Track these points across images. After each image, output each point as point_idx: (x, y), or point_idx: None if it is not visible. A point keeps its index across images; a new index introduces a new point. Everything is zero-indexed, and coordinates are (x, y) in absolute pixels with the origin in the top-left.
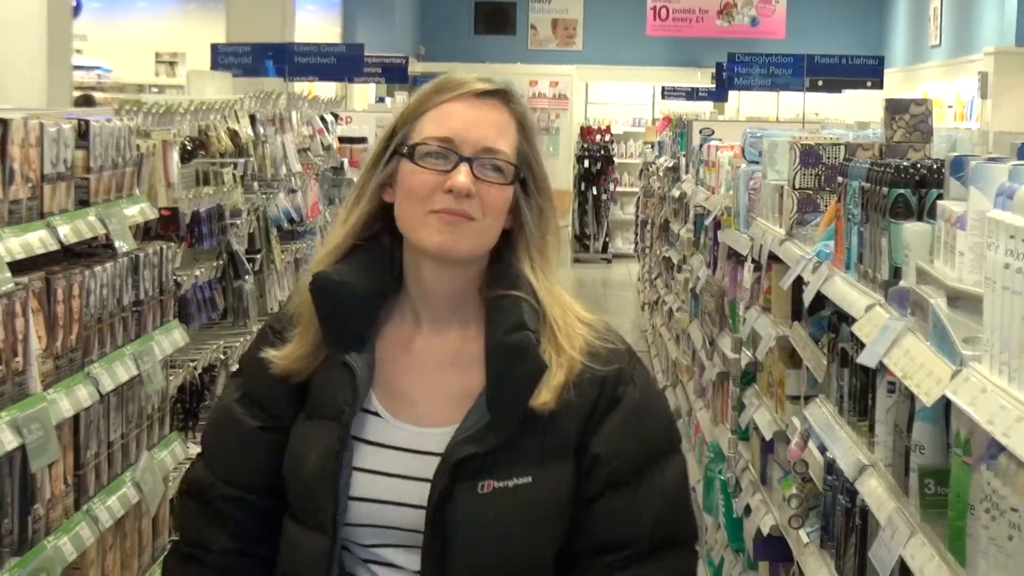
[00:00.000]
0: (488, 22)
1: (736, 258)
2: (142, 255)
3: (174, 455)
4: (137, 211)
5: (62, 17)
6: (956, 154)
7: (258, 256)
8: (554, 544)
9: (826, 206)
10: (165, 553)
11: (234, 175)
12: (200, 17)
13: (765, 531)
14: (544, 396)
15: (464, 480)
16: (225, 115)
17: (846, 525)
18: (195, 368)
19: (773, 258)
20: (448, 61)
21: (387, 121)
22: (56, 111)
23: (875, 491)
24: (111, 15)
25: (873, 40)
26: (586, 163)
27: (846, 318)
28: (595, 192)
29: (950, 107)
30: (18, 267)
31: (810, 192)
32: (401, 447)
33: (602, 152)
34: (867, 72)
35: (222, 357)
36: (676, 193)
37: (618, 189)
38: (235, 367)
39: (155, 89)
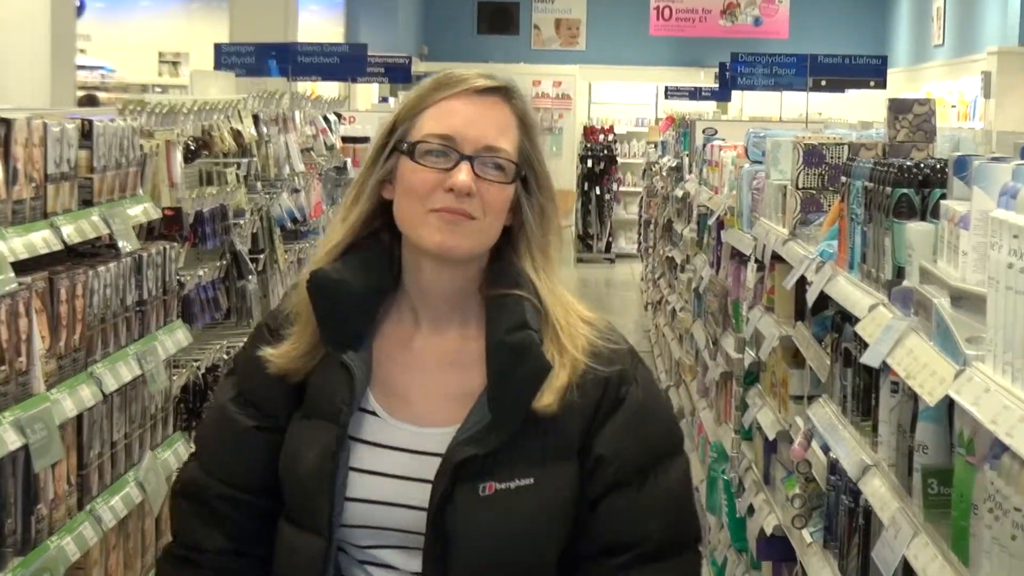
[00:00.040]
0: (491, 22)
1: (739, 258)
2: (145, 255)
3: (177, 455)
4: (140, 211)
5: (66, 17)
6: (959, 154)
7: (261, 256)
8: (557, 546)
9: (829, 206)
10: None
11: (237, 175)
12: (203, 17)
13: (768, 531)
14: (547, 398)
15: (465, 482)
16: (228, 115)
17: (849, 525)
18: (198, 368)
19: (776, 258)
20: (451, 61)
21: None
22: (60, 111)
23: (878, 491)
24: (114, 15)
25: (876, 40)
26: (589, 163)
27: (849, 318)
28: (598, 192)
29: (953, 107)
30: (21, 267)
31: (813, 192)
32: (399, 447)
33: (605, 152)
34: (870, 72)
35: (225, 357)
36: (679, 193)
37: (621, 189)
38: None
39: (158, 89)
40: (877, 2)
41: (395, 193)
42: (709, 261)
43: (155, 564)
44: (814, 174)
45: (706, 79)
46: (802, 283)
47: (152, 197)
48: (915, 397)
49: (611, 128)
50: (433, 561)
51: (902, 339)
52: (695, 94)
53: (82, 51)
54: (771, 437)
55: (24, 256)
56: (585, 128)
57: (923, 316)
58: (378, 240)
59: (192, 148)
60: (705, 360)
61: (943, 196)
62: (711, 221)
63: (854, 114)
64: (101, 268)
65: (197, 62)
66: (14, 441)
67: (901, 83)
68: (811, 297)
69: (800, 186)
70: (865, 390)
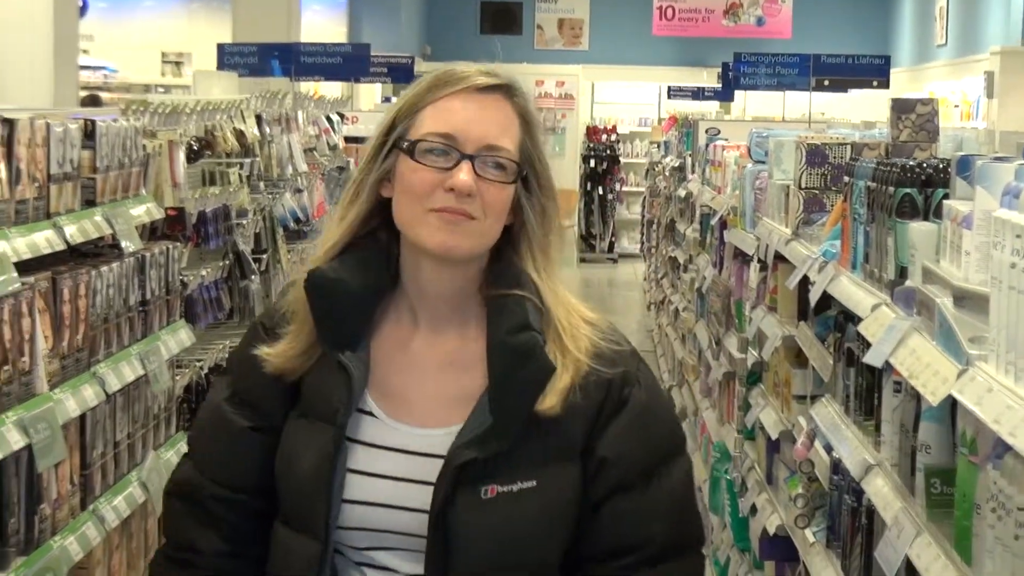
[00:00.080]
0: (494, 22)
1: (742, 258)
2: (148, 255)
3: (180, 455)
4: (143, 211)
5: (68, 17)
6: (962, 153)
7: (264, 256)
8: (559, 549)
9: (832, 206)
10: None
11: (240, 175)
12: (206, 17)
13: (771, 531)
14: (550, 400)
15: (466, 485)
16: (231, 115)
17: (852, 524)
18: (201, 368)
19: (779, 258)
20: (454, 61)
21: None
22: (62, 111)
23: (881, 490)
24: (117, 15)
25: (879, 40)
26: (592, 163)
27: (852, 318)
28: (601, 192)
29: (956, 106)
30: (24, 267)
31: (816, 192)
32: (398, 448)
33: (608, 152)
34: (873, 72)
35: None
36: (682, 193)
37: (624, 189)
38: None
39: (161, 89)
40: (880, 2)
41: (394, 192)
42: (712, 261)
43: (148, 566)
44: (817, 174)
45: (709, 79)
46: (805, 283)
47: (155, 197)
48: (918, 397)
49: (614, 128)
50: (435, 564)
51: (905, 339)
52: (698, 94)
53: (85, 51)
54: (774, 437)
55: (27, 256)
56: (588, 128)
57: (926, 316)
58: (376, 239)
59: (195, 148)
60: (708, 360)
61: (946, 196)
62: (714, 221)
63: (857, 114)
64: (104, 268)
65: (200, 62)
66: (17, 441)
67: (904, 83)
68: (814, 297)
69: (803, 186)
70: (868, 390)
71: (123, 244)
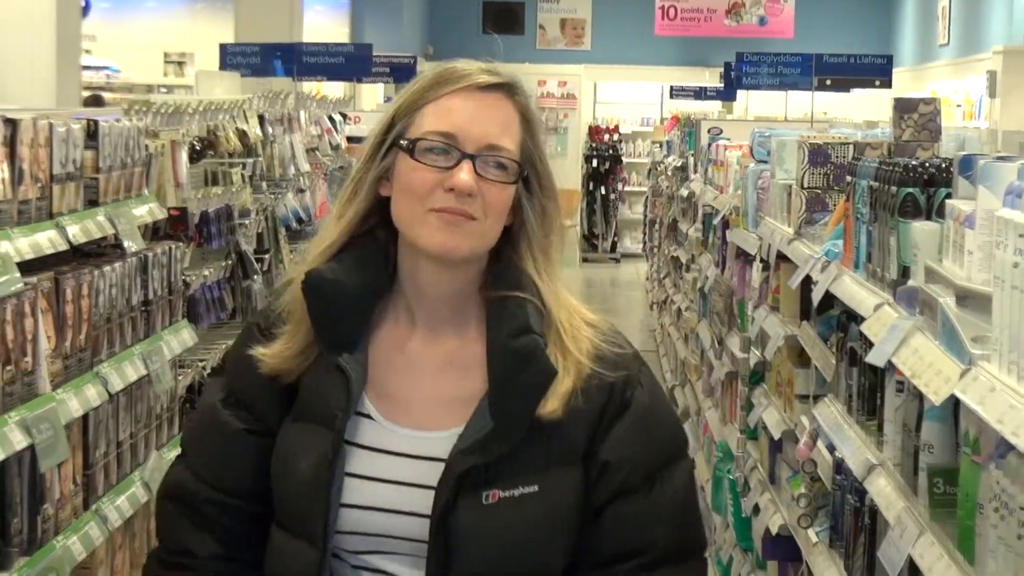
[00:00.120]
0: (496, 22)
1: (745, 257)
2: (151, 255)
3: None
4: (146, 211)
5: (71, 17)
6: (965, 153)
7: (267, 256)
8: (562, 554)
9: (835, 205)
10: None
11: (243, 175)
12: (208, 17)
13: (774, 530)
14: (552, 404)
15: (468, 490)
16: (234, 115)
17: (855, 524)
18: (204, 368)
19: (782, 257)
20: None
21: None
22: (65, 111)
23: (884, 490)
24: (120, 15)
25: (881, 39)
26: (594, 163)
27: (855, 317)
28: (603, 192)
29: (959, 106)
30: (27, 267)
31: (819, 191)
32: (397, 452)
33: (610, 151)
34: (875, 71)
35: None
36: (684, 192)
37: (626, 188)
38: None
39: (164, 89)
40: (882, 2)
41: (392, 191)
42: (714, 261)
43: (142, 569)
44: (819, 173)
45: (711, 79)
46: (807, 282)
47: (157, 197)
48: (920, 396)
49: (616, 128)
50: (435, 569)
51: (907, 338)
52: (700, 94)
53: (87, 51)
54: (776, 436)
55: (30, 256)
56: (590, 128)
57: (928, 315)
58: (374, 238)
59: (197, 148)
60: (710, 360)
61: (948, 195)
62: (716, 221)
63: (859, 113)
64: (107, 268)
65: (202, 62)
66: (20, 441)
67: (906, 82)
68: (816, 296)
69: (805, 185)
70: (871, 389)
71: (126, 244)
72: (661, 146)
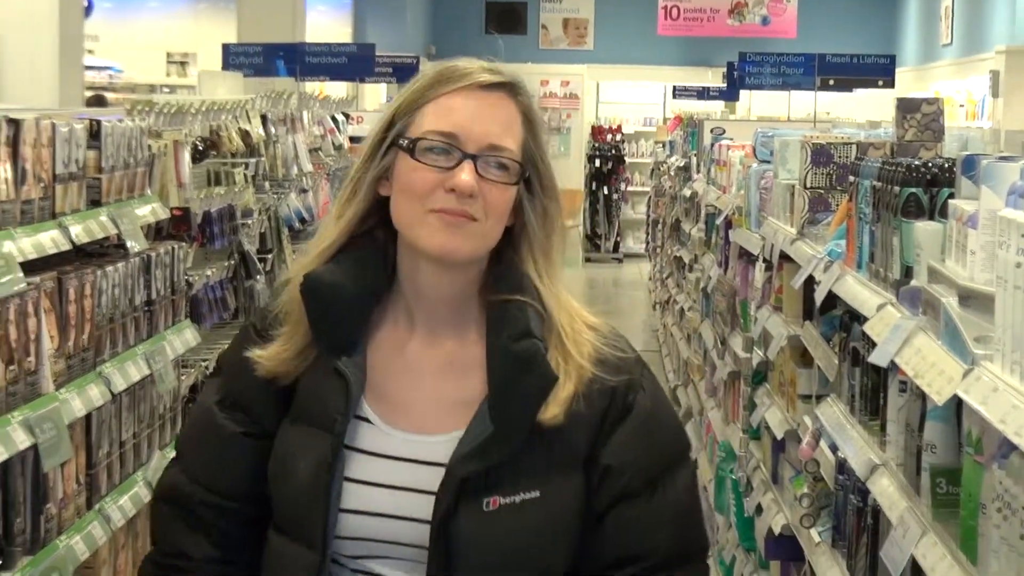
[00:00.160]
0: (499, 22)
1: (747, 257)
2: (154, 255)
3: None
4: (149, 211)
5: (74, 17)
6: (968, 153)
7: (269, 256)
8: (564, 560)
9: (837, 205)
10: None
11: (245, 175)
12: (211, 17)
13: (776, 530)
14: (553, 409)
15: (469, 497)
16: (236, 115)
17: (858, 524)
18: (206, 368)
19: (784, 257)
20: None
21: None
22: (68, 111)
23: (887, 490)
24: (122, 15)
25: (884, 39)
26: (597, 163)
27: (857, 317)
28: (606, 192)
29: (961, 106)
30: (30, 267)
31: (821, 191)
32: (396, 456)
33: (613, 151)
34: (878, 71)
35: None
36: (687, 192)
37: (629, 189)
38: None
39: (166, 89)
40: (885, 1)
41: (392, 191)
42: (717, 261)
43: (138, 572)
44: (822, 173)
45: (714, 79)
46: (810, 282)
47: (160, 197)
48: (923, 396)
49: (619, 128)
50: (436, 575)
51: (910, 338)
52: (703, 94)
53: (90, 51)
54: (779, 436)
55: (33, 256)
56: (593, 128)
57: (931, 315)
58: (372, 239)
59: (200, 148)
60: (713, 359)
61: (951, 195)
62: (719, 221)
63: (862, 113)
64: (109, 268)
65: (205, 62)
66: (23, 440)
67: (909, 82)
68: (819, 296)
69: (808, 185)
70: (873, 389)
71: (128, 244)
72: (664, 146)
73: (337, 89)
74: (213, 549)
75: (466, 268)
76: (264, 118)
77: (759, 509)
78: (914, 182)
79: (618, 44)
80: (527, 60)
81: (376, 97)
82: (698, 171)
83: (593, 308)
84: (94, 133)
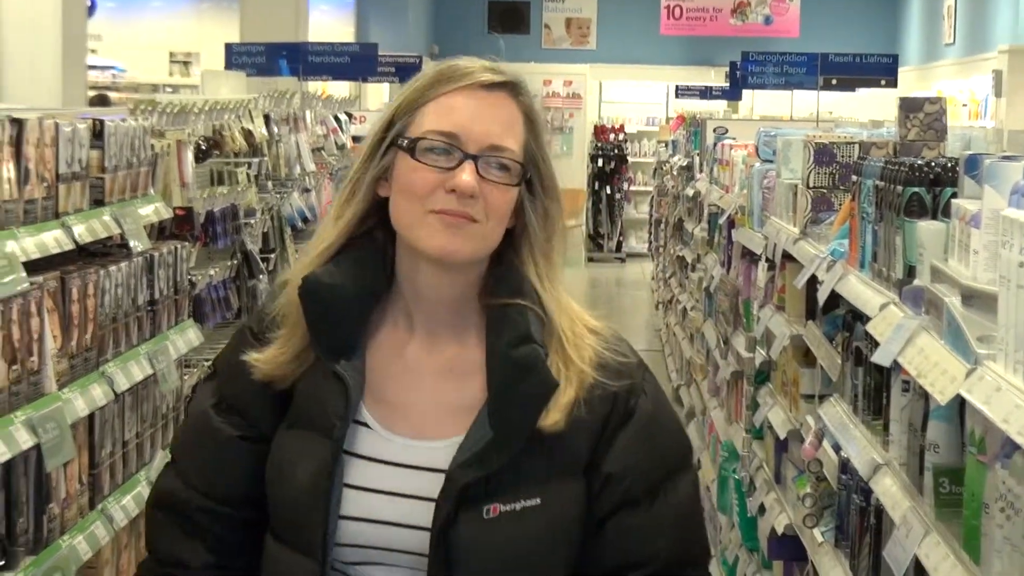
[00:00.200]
0: (502, 21)
1: (750, 257)
2: (157, 255)
3: None
4: (152, 211)
5: (77, 17)
6: (970, 152)
7: (272, 255)
8: (564, 567)
9: (840, 205)
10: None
11: (248, 174)
12: (214, 17)
13: (779, 530)
14: (554, 416)
15: (469, 504)
16: (239, 115)
17: (860, 524)
18: (210, 368)
19: (787, 257)
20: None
21: None
22: (71, 111)
23: (889, 490)
24: (125, 15)
25: (887, 38)
26: (600, 162)
27: (860, 317)
28: (609, 191)
29: (964, 105)
30: (33, 267)
31: (824, 191)
32: (396, 462)
33: (616, 151)
34: (881, 70)
35: None
36: (690, 192)
37: (632, 188)
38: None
39: (169, 89)
40: (888, 1)
41: (391, 191)
42: (720, 260)
43: None
44: (825, 173)
45: (717, 78)
46: (813, 282)
47: (163, 197)
48: (926, 396)
49: (622, 127)
50: None
51: (913, 338)
52: (706, 93)
53: (93, 51)
54: (782, 436)
55: (36, 256)
56: (596, 127)
57: (934, 315)
58: (371, 239)
59: (203, 148)
60: (716, 359)
61: (954, 195)
62: (722, 220)
63: (865, 113)
64: (112, 268)
65: (208, 62)
66: (26, 440)
67: (912, 82)
68: (822, 296)
69: (811, 185)
70: (876, 389)
71: (131, 244)
72: (666, 145)
73: (340, 88)
74: (210, 555)
75: (466, 270)
76: (267, 118)
77: (762, 509)
78: (917, 182)
79: (621, 44)
80: (530, 60)
81: (379, 97)
82: (701, 171)
83: (596, 308)
84: (97, 133)
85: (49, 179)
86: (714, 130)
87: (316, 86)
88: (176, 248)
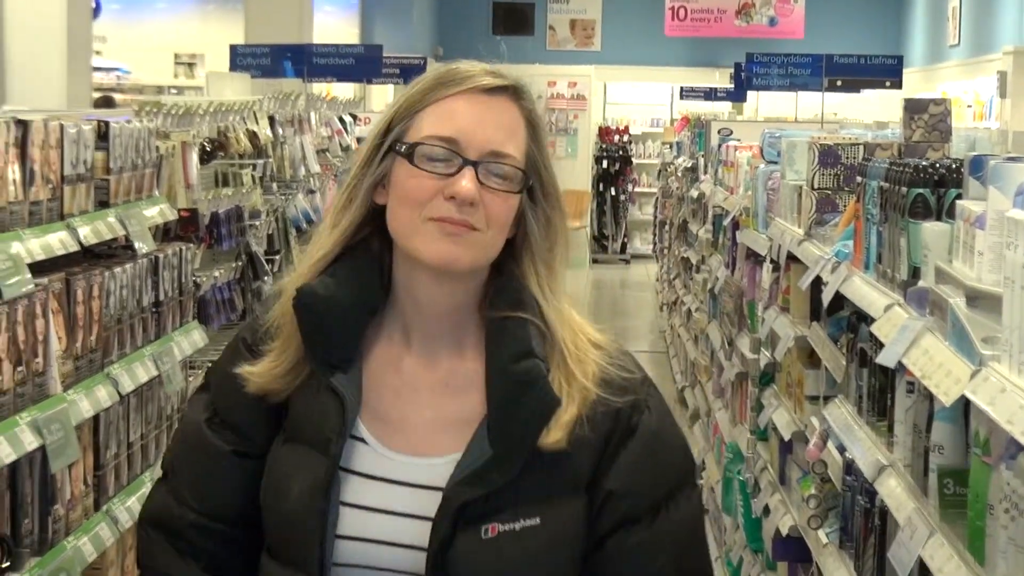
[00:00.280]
0: (506, 23)
1: (755, 258)
2: (161, 256)
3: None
4: (156, 212)
5: (81, 19)
6: (975, 154)
7: (277, 257)
8: None
9: (845, 206)
10: None
11: (253, 176)
12: (218, 18)
13: (784, 531)
14: (556, 434)
15: (466, 524)
16: (244, 116)
17: (865, 525)
18: None
19: (792, 258)
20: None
21: None
22: (76, 112)
23: (894, 491)
24: (130, 16)
25: (892, 40)
26: (604, 164)
27: (865, 318)
28: (613, 193)
29: (969, 107)
30: (38, 268)
31: (829, 192)
32: (393, 480)
33: (620, 153)
34: (886, 72)
35: None
36: (694, 193)
37: (636, 190)
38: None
39: (174, 90)
40: (892, 2)
41: (389, 198)
42: (724, 262)
43: None
44: (829, 174)
45: (721, 79)
46: (817, 283)
47: (168, 198)
48: (931, 397)
49: (626, 129)
50: None
51: (918, 339)
52: (710, 94)
53: (98, 53)
54: (787, 437)
55: (41, 257)
56: (600, 129)
57: (939, 316)
58: (367, 248)
59: (208, 149)
60: (720, 361)
61: (959, 196)
62: (726, 222)
63: (869, 114)
64: (117, 269)
65: (212, 63)
66: (31, 442)
67: (917, 83)
68: (826, 297)
69: (815, 186)
70: (881, 390)
71: (136, 245)
72: (671, 147)
73: (344, 90)
74: (204, 574)
75: (465, 280)
76: (272, 119)
77: (766, 510)
78: (921, 183)
79: (625, 45)
80: (534, 61)
81: (383, 98)
82: (705, 172)
83: (600, 309)
84: (102, 134)
85: (54, 181)
86: (718, 131)
87: (321, 87)
88: (181, 250)
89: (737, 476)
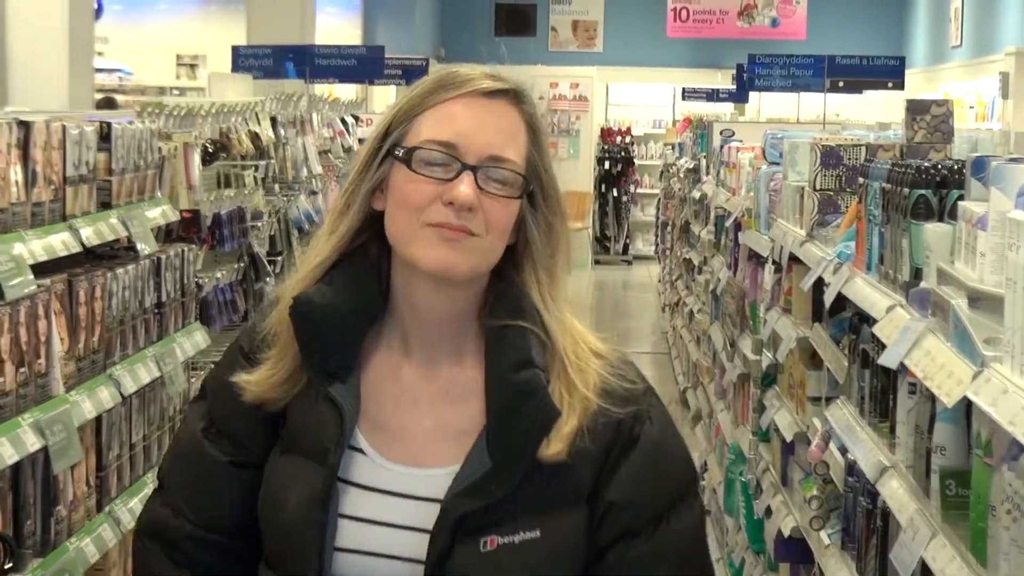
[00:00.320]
0: (508, 24)
1: (757, 259)
2: (164, 257)
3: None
4: (159, 213)
5: (84, 20)
6: (977, 155)
7: (279, 258)
8: None
9: (847, 207)
10: None
11: (255, 177)
12: (221, 19)
13: (786, 532)
14: (556, 446)
15: (465, 536)
16: (246, 117)
17: (867, 526)
18: None
19: (794, 259)
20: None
21: None
22: (78, 113)
23: (896, 492)
24: (132, 17)
25: (894, 41)
26: (606, 165)
27: (867, 319)
28: (615, 194)
29: (971, 108)
30: (40, 269)
31: (831, 193)
32: (392, 491)
33: (622, 154)
34: (888, 73)
35: None
36: (696, 195)
37: (639, 191)
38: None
39: (176, 91)
40: (895, 3)
41: (387, 204)
42: (726, 263)
43: None
44: (831, 175)
45: (723, 80)
46: (819, 284)
47: (170, 199)
48: (933, 398)
49: (628, 130)
50: None
51: (920, 340)
52: (712, 95)
53: (100, 54)
54: (789, 439)
55: (43, 258)
56: (602, 130)
57: (941, 317)
58: (365, 254)
59: (210, 150)
60: (722, 362)
61: (961, 197)
62: (728, 223)
63: (872, 115)
64: (120, 270)
65: (215, 64)
66: (33, 443)
67: (919, 84)
68: (828, 298)
69: (817, 187)
70: (883, 391)
71: (139, 246)
72: (673, 148)
73: (347, 91)
74: None
75: (464, 287)
76: (274, 120)
77: (768, 511)
78: (924, 184)
79: (627, 46)
80: (536, 62)
81: (385, 99)
82: (707, 173)
83: (602, 311)
84: (104, 135)
85: (56, 182)
86: (721, 132)
87: (323, 89)
88: (183, 251)
89: (739, 477)
